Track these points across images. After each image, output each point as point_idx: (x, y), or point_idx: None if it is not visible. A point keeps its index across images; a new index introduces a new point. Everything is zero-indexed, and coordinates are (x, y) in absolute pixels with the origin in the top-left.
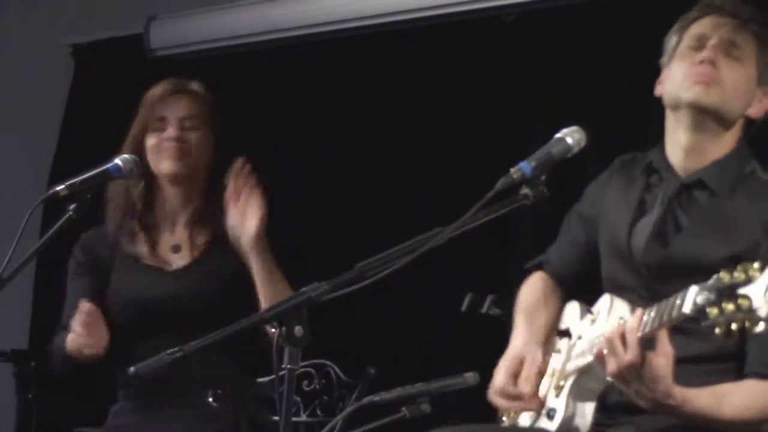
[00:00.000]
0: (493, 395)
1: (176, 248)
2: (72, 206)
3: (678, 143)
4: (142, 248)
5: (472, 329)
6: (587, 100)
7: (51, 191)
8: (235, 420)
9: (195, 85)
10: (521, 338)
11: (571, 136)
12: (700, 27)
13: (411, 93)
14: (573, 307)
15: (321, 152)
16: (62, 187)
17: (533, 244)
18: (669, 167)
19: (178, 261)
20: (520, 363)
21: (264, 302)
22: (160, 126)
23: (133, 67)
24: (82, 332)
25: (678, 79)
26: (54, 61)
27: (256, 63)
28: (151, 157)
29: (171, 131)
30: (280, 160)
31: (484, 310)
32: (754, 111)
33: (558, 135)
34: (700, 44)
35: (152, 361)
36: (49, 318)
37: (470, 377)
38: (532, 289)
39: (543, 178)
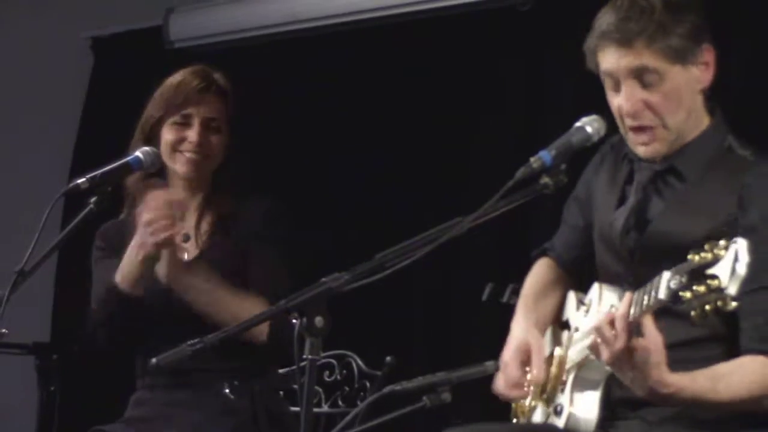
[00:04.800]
0: (507, 389)
1: (186, 237)
2: (93, 199)
3: None
4: None
5: (492, 319)
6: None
7: (72, 184)
8: (253, 413)
9: (221, 80)
10: (519, 328)
11: (590, 125)
12: (605, 62)
13: (429, 83)
14: (571, 298)
15: (341, 143)
16: (83, 180)
17: (553, 233)
18: None
19: (189, 250)
20: (527, 352)
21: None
22: (183, 122)
23: (152, 59)
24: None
25: (619, 125)
26: (73, 54)
27: (276, 54)
28: (165, 151)
29: (194, 135)
30: (300, 151)
31: (504, 299)
32: (703, 84)
33: (578, 124)
34: (615, 84)
35: (173, 352)
36: (70, 311)
37: (491, 366)
38: (535, 277)
39: (563, 166)
